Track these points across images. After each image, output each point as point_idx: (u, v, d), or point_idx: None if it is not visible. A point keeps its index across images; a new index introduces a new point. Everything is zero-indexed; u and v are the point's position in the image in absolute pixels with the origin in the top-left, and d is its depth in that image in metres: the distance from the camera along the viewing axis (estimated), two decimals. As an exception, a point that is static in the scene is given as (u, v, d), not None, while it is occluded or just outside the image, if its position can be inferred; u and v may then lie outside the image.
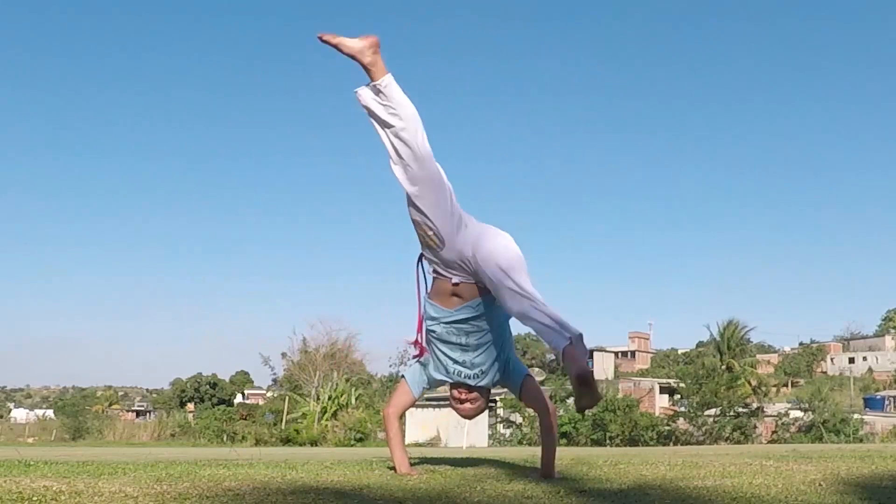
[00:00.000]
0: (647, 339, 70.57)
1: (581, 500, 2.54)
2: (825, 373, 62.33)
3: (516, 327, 3.20)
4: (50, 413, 55.82)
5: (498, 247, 3.00)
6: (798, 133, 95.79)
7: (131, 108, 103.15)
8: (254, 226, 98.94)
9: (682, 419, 22.25)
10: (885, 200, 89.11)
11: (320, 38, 3.00)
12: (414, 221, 3.08)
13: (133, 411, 67.71)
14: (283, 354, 36.80)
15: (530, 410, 22.10)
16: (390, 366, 41.19)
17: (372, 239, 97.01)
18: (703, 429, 21.67)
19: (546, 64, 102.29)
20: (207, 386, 65.89)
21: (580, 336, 2.78)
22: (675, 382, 28.41)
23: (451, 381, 3.21)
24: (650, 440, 20.78)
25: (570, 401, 22.30)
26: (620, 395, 23.82)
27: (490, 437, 23.59)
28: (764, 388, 30.37)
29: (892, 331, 67.40)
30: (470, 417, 3.34)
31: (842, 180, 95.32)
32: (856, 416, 24.45)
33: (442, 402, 27.43)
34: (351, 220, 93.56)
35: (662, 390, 28.40)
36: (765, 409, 23.90)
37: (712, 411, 22.20)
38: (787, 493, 2.60)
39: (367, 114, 3.07)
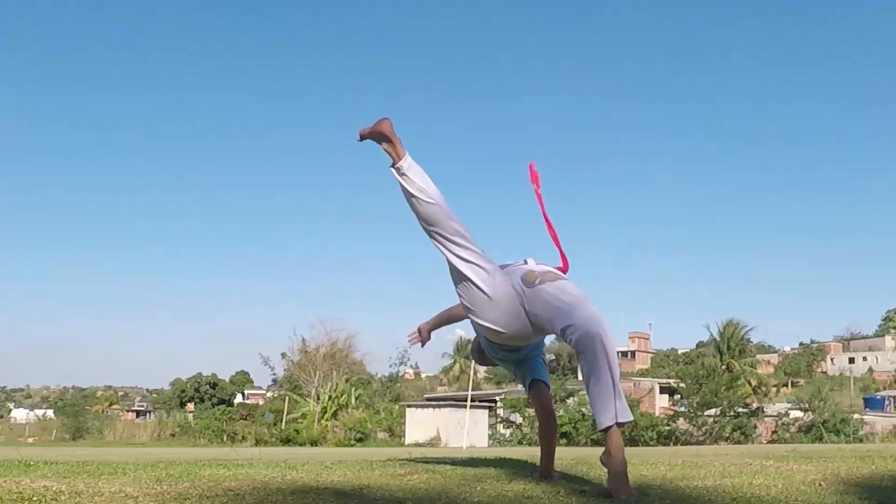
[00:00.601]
0: (647, 339, 70.63)
1: (581, 500, 2.54)
2: (825, 373, 62.37)
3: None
4: (50, 413, 55.81)
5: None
6: (798, 132, 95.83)
7: (130, 108, 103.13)
8: (254, 226, 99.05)
9: (682, 419, 22.25)
10: (885, 200, 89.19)
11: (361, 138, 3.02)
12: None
13: (133, 411, 67.71)
14: (283, 354, 36.81)
15: (530, 410, 22.16)
16: (390, 366, 41.26)
17: (372, 239, 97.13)
18: (703, 429, 21.67)
19: (546, 63, 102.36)
20: (207, 386, 65.89)
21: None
22: (675, 382, 28.39)
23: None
24: (650, 440, 20.77)
25: (571, 400, 22.30)
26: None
27: (490, 437, 23.59)
28: (764, 388, 30.45)
29: (892, 331, 67.41)
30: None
31: (842, 180, 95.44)
32: (856, 416, 24.46)
33: (442, 403, 27.44)
34: (351, 220, 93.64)
35: (662, 390, 28.40)
36: (765, 409, 23.90)
37: (712, 411, 22.20)
38: (787, 493, 2.60)
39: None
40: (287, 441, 25.54)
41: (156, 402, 73.19)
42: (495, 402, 23.94)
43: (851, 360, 63.24)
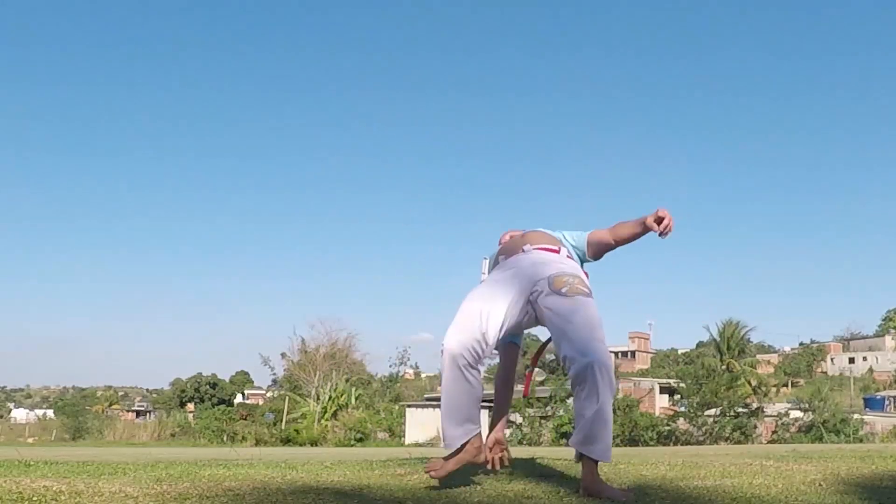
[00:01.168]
0: (647, 339, 70.68)
1: (581, 500, 2.54)
2: (825, 373, 62.37)
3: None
4: (50, 413, 55.88)
5: None
6: (798, 132, 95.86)
7: (130, 107, 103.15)
8: (254, 226, 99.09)
9: (682, 419, 22.23)
10: (885, 200, 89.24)
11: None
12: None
13: (133, 411, 67.74)
14: (283, 354, 36.85)
15: (531, 410, 22.18)
16: (390, 366, 41.26)
17: (372, 239, 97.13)
18: (703, 429, 21.65)
19: (545, 61, 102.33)
20: (207, 386, 65.93)
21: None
22: (675, 382, 28.39)
23: None
24: (650, 440, 20.76)
25: (571, 400, 22.27)
26: (620, 396, 23.80)
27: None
28: (764, 388, 30.40)
29: (892, 331, 67.41)
30: None
31: (842, 180, 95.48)
32: (856, 416, 24.43)
33: (442, 402, 27.40)
34: (351, 220, 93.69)
35: (662, 390, 28.37)
36: (765, 409, 23.87)
37: (712, 411, 22.18)
38: (787, 493, 2.60)
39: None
40: (287, 441, 25.55)
41: (156, 402, 73.23)
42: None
43: (851, 360, 63.25)
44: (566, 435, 20.72)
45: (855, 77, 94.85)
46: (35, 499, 2.33)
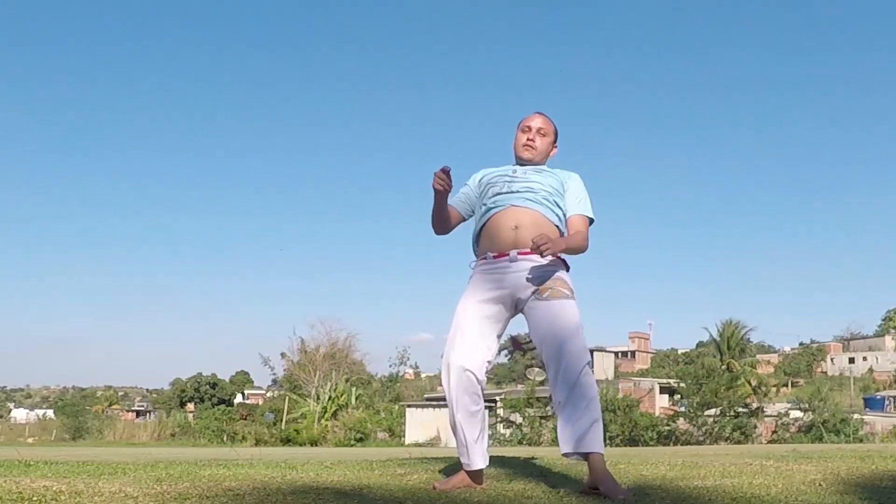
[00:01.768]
0: (647, 339, 70.63)
1: (581, 500, 2.54)
2: (825, 373, 62.33)
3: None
4: (50, 413, 55.88)
5: None
6: (798, 132, 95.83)
7: (129, 107, 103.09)
8: (254, 225, 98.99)
9: (682, 419, 22.22)
10: (885, 200, 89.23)
11: None
12: None
13: (133, 411, 67.72)
14: (283, 354, 36.85)
15: (531, 410, 22.15)
16: (390, 366, 41.28)
17: (372, 239, 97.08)
18: (703, 429, 21.64)
19: (545, 61, 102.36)
20: (207, 386, 65.88)
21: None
22: (675, 382, 28.35)
23: None
24: (650, 440, 20.75)
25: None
26: (620, 396, 23.80)
27: (490, 437, 23.55)
28: (764, 388, 30.33)
29: (892, 331, 67.36)
30: None
31: (842, 180, 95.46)
32: (856, 416, 24.41)
33: (442, 403, 27.43)
34: (351, 220, 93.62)
35: (662, 390, 28.36)
36: (765, 409, 23.85)
37: (712, 411, 22.17)
38: (787, 493, 2.60)
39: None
40: (287, 441, 25.54)
41: (156, 402, 73.21)
42: (495, 402, 23.89)
43: (851, 360, 63.21)
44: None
45: (855, 76, 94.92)
46: (35, 499, 2.33)
